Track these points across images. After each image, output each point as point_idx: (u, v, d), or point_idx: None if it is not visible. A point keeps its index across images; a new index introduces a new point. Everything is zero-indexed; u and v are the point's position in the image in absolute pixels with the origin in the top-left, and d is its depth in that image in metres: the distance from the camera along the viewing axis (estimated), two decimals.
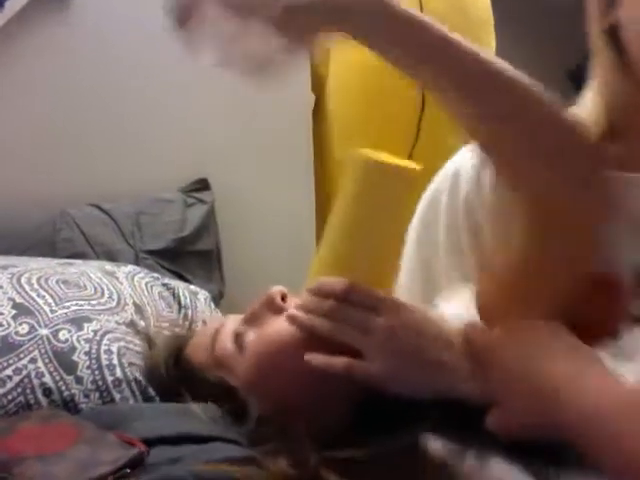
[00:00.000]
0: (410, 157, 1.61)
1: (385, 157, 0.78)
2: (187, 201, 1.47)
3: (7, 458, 0.66)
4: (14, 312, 0.87)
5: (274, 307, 0.80)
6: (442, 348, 0.74)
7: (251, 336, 0.79)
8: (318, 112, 1.71)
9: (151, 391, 0.85)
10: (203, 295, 1.18)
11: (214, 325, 0.86)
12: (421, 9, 1.59)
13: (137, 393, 0.85)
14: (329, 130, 1.70)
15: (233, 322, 0.83)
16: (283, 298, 0.82)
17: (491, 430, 0.69)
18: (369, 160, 0.77)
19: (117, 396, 0.83)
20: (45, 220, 1.38)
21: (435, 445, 0.71)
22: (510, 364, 0.69)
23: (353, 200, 0.78)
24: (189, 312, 1.09)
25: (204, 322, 1.08)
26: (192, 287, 1.20)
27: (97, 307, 0.93)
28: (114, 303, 0.96)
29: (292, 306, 0.79)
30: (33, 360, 0.83)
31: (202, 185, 1.51)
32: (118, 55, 1.48)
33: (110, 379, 0.84)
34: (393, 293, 0.80)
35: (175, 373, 0.84)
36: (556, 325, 0.74)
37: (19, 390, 0.81)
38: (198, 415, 0.75)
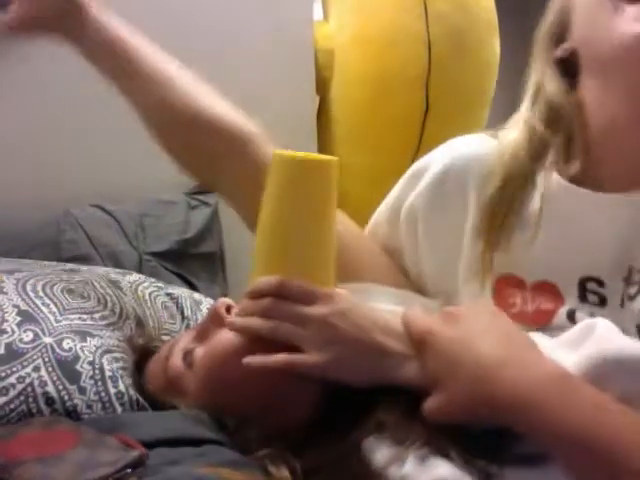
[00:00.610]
0: (415, 160, 1.61)
1: (304, 154, 0.83)
2: (191, 203, 1.48)
3: (6, 462, 0.66)
4: (19, 319, 0.88)
5: (218, 319, 0.81)
6: (381, 333, 0.74)
7: (199, 352, 0.80)
8: (322, 115, 1.71)
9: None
10: (206, 304, 1.18)
11: (168, 344, 0.86)
12: (425, 10, 1.59)
13: (136, 409, 0.85)
14: (333, 133, 1.71)
15: (184, 339, 0.83)
16: (228, 309, 0.82)
17: (428, 416, 0.70)
18: (285, 156, 0.81)
19: (119, 409, 0.83)
20: (49, 221, 1.39)
21: (378, 451, 0.70)
22: (448, 348, 0.71)
23: (276, 198, 0.80)
24: (191, 323, 1.09)
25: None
26: (196, 296, 1.20)
27: (99, 322, 0.93)
28: (115, 317, 0.96)
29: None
30: (36, 368, 0.83)
31: (205, 187, 1.51)
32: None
33: (113, 391, 0.84)
34: (330, 285, 0.80)
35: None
36: (494, 308, 0.78)
37: (21, 399, 0.81)
38: (193, 419, 0.76)
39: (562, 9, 0.86)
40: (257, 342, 0.76)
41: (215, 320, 0.81)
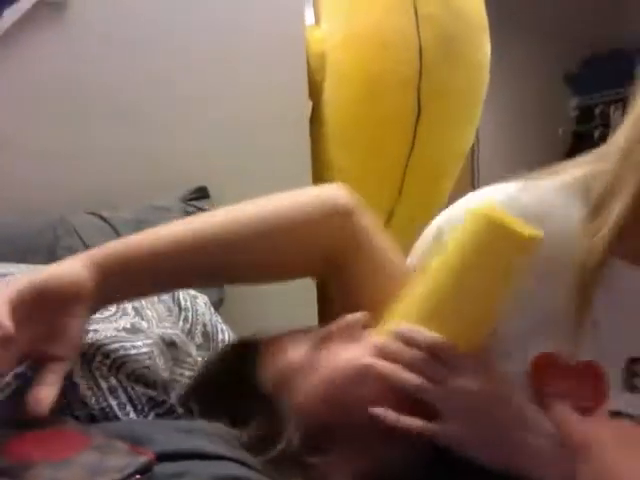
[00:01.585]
0: (407, 163, 1.62)
1: (511, 220, 0.74)
2: (186, 209, 1.48)
3: (13, 463, 0.66)
4: None
5: (354, 334, 0.79)
6: (529, 430, 0.71)
7: (324, 355, 0.78)
8: (315, 118, 1.72)
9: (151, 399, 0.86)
10: (203, 299, 1.18)
11: (289, 338, 0.83)
12: (416, 13, 1.60)
13: (134, 397, 0.85)
14: (326, 136, 1.71)
15: (306, 341, 0.81)
16: (364, 327, 0.80)
17: None
18: (498, 222, 0.74)
19: (113, 402, 0.83)
20: (44, 227, 1.39)
21: None
22: (612, 465, 0.67)
23: (469, 256, 0.75)
24: (189, 315, 1.09)
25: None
26: (191, 291, 1.20)
27: (95, 316, 0.91)
28: (112, 310, 0.95)
29: (371, 339, 0.78)
30: (33, 367, 0.82)
31: (201, 193, 1.52)
32: (117, 62, 1.49)
33: (114, 403, 0.84)
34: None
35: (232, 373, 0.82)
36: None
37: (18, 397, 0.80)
38: (206, 432, 0.75)
39: None
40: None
41: (350, 333, 0.79)
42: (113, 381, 0.85)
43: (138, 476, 0.65)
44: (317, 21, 1.77)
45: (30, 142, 1.43)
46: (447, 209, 0.89)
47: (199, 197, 1.50)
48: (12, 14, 1.37)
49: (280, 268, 0.85)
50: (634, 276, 0.76)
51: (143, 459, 0.67)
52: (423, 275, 0.78)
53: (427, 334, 0.73)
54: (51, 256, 1.33)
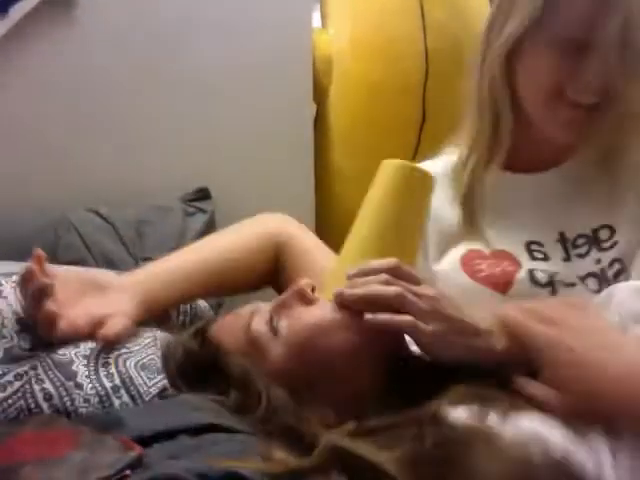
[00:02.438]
0: None
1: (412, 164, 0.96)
2: (187, 210, 1.48)
3: (7, 464, 0.67)
4: (17, 327, 0.88)
5: (306, 298, 0.86)
6: (478, 317, 0.82)
7: (284, 322, 0.84)
8: (319, 121, 1.72)
9: (151, 391, 0.87)
10: (202, 301, 1.18)
11: (248, 309, 0.89)
12: (423, 19, 1.60)
13: (136, 396, 0.86)
14: (330, 140, 1.71)
15: (264, 309, 0.87)
16: (312, 290, 0.87)
17: (550, 411, 0.72)
18: (407, 166, 0.94)
19: (116, 402, 0.84)
20: (46, 225, 1.40)
21: (456, 413, 0.73)
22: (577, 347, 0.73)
23: (389, 201, 0.92)
24: (187, 318, 1.10)
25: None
26: None
27: None
28: None
29: (321, 299, 0.86)
30: (34, 367, 0.84)
31: (203, 194, 1.52)
32: (124, 59, 1.49)
33: (109, 385, 0.85)
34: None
35: (196, 355, 0.88)
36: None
37: (19, 394, 0.82)
38: (191, 404, 0.78)
39: None
40: (353, 318, 0.82)
41: (301, 298, 0.86)
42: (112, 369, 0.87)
43: (128, 471, 0.66)
44: (324, 24, 1.77)
45: (32, 139, 1.43)
46: None
47: (200, 198, 1.50)
48: (20, 10, 1.37)
49: (237, 289, 1.11)
50: (514, 180, 1.11)
51: (133, 454, 0.68)
52: (353, 228, 0.94)
53: (378, 261, 0.85)
54: (52, 254, 1.34)
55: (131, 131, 1.50)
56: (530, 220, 1.09)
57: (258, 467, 0.66)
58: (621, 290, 0.83)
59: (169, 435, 0.71)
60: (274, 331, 0.83)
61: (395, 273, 0.83)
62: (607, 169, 1.06)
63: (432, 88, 1.60)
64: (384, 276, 0.83)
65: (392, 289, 0.81)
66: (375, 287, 0.82)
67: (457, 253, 1.10)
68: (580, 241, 1.06)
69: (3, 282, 0.96)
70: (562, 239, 1.07)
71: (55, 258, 1.32)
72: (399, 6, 1.62)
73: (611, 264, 1.03)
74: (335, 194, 1.69)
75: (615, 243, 1.03)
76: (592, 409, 0.71)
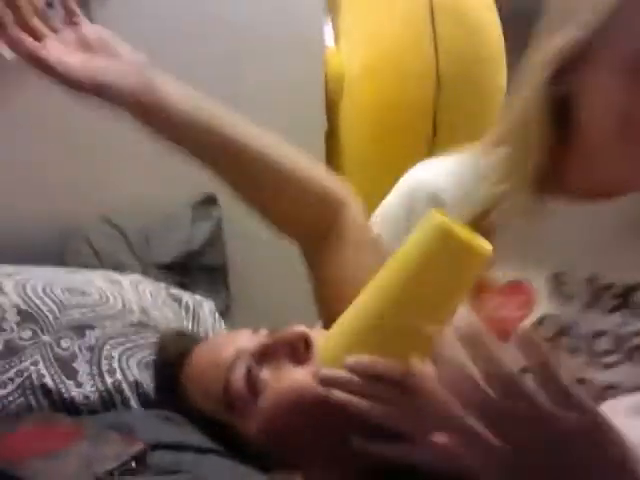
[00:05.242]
0: None
1: (465, 231, 0.68)
2: (195, 216, 1.48)
3: (11, 458, 0.67)
4: (18, 318, 0.89)
5: (297, 356, 0.75)
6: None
7: (266, 377, 0.74)
8: (331, 138, 1.72)
9: (150, 392, 0.86)
10: (208, 305, 1.19)
11: (231, 349, 0.77)
12: (434, 32, 1.61)
13: (136, 394, 0.86)
14: (341, 157, 1.71)
15: (245, 355, 0.76)
16: (307, 344, 0.76)
17: None
18: (451, 231, 0.66)
19: (118, 398, 0.84)
20: (54, 232, 1.40)
21: None
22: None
23: (418, 266, 0.67)
24: (194, 321, 1.11)
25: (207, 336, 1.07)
26: (197, 297, 1.21)
27: (101, 313, 0.94)
28: (119, 307, 0.97)
29: (313, 358, 0.74)
30: (35, 362, 0.84)
31: (210, 201, 1.52)
32: None
33: (110, 381, 0.85)
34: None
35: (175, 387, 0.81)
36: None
37: (20, 391, 0.82)
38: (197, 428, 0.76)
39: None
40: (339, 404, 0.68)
41: (293, 354, 0.76)
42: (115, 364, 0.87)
43: (134, 463, 0.67)
44: (336, 40, 1.79)
45: (41, 148, 1.44)
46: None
47: (208, 204, 1.50)
48: None
49: (274, 200, 0.95)
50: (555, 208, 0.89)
51: (137, 447, 0.69)
52: (374, 282, 0.70)
53: (389, 366, 0.65)
54: (60, 261, 1.35)
55: (140, 138, 1.50)
56: (562, 251, 0.89)
57: None
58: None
59: (172, 447, 0.71)
60: (253, 390, 0.74)
61: (401, 387, 0.65)
62: None
63: (443, 107, 1.60)
64: (382, 391, 0.65)
65: (379, 411, 0.65)
66: (359, 403, 0.65)
67: None
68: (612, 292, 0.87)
69: (4, 281, 0.97)
70: (592, 280, 0.87)
71: (63, 265, 1.33)
72: (411, 25, 1.63)
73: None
74: None
75: None
76: None
